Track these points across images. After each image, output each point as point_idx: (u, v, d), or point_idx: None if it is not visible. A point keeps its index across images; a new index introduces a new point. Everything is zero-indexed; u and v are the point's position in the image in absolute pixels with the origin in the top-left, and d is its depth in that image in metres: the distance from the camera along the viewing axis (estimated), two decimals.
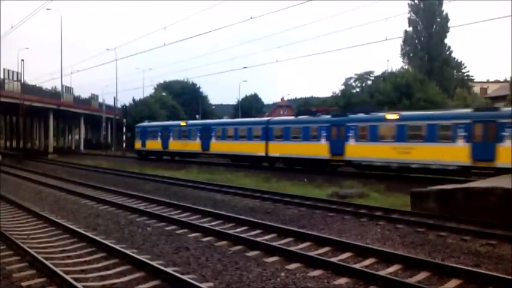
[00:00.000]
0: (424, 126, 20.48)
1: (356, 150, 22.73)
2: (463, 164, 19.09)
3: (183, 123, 37.38)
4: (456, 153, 19.02)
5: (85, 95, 64.07)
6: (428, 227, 10.44)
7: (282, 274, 7.08)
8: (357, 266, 7.39)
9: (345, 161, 23.77)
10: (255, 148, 28.50)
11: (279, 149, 27.11)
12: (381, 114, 23.55)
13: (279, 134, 27.47)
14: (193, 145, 33.71)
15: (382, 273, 6.97)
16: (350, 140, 23.07)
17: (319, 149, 24.55)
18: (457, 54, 63.23)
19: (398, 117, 21.78)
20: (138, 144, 40.15)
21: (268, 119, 30.49)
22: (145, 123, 41.41)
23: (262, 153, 28.08)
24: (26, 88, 46.07)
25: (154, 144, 37.94)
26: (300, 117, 28.18)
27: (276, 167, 28.12)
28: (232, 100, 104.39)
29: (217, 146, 31.74)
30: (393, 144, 21.17)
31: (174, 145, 36.04)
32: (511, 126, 17.73)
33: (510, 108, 19.54)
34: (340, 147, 23.41)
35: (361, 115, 23.74)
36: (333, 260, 7.67)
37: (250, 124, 30.68)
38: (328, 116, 25.61)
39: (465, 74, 58.26)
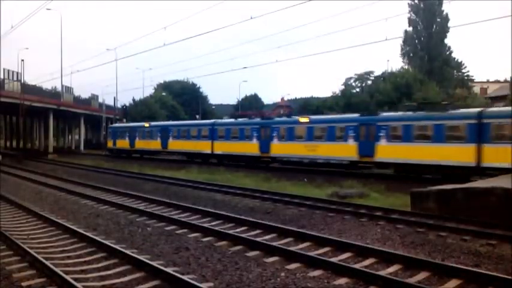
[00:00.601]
0: (325, 128, 24.68)
1: (279, 148, 26.98)
2: (352, 159, 23.13)
3: (146, 124, 41.16)
4: (348, 150, 23.13)
5: (85, 95, 64.12)
6: (428, 227, 10.44)
7: (282, 274, 7.08)
8: (357, 266, 7.39)
9: (271, 157, 28.05)
10: (204, 146, 32.63)
11: (222, 147, 31.41)
12: (296, 118, 28.13)
13: (222, 134, 31.67)
14: (155, 144, 37.81)
15: (382, 273, 6.97)
16: (274, 139, 27.40)
17: (252, 148, 28.83)
18: (457, 54, 63.23)
19: (308, 120, 26.23)
20: (110, 143, 45.31)
21: (214, 121, 34.58)
22: (116, 125, 47.02)
23: (209, 151, 32.21)
24: (26, 88, 46.06)
25: (123, 143, 42.55)
26: (238, 120, 32.35)
27: (275, 167, 28.16)
28: (232, 100, 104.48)
29: (174, 145, 35.67)
30: (304, 143, 25.37)
31: (140, 144, 40.41)
32: (386, 128, 21.79)
33: (387, 113, 24.09)
34: (267, 146, 27.65)
35: (282, 118, 29.79)
36: (333, 260, 7.67)
37: (199, 125, 34.87)
38: (258, 119, 30.08)
39: (465, 74, 58.24)
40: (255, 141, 28.54)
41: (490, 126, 18.51)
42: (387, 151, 21.29)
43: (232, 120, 33.39)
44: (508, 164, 16.69)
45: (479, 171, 18.71)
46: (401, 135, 21.14)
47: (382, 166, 22.44)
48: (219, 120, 35.00)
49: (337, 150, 23.34)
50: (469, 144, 18.87)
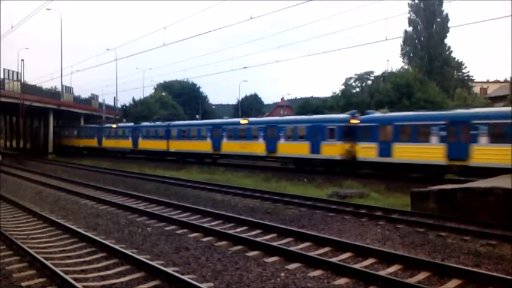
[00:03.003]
0: (253, 129, 29.40)
1: (227, 146, 31.08)
2: (262, 155, 28.88)
3: (114, 125, 45.37)
4: (260, 147, 28.24)
5: (85, 95, 63.90)
6: (428, 227, 10.44)
7: (282, 274, 7.08)
8: (357, 266, 7.39)
9: (221, 154, 32.16)
10: (161, 145, 36.76)
11: (176, 145, 35.43)
12: (238, 119, 33.81)
13: (175, 134, 35.68)
14: (125, 143, 41.48)
15: (382, 273, 6.97)
16: (224, 139, 31.26)
17: (205, 146, 32.51)
18: (457, 54, 63.26)
19: (247, 122, 30.88)
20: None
21: (168, 123, 37.88)
22: (87, 125, 51.98)
23: (165, 149, 36.33)
24: (26, 88, 46.01)
25: (91, 142, 46.76)
26: (192, 121, 38.50)
27: (274, 167, 28.16)
28: (233, 100, 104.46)
29: (143, 144, 39.50)
30: (241, 142, 29.94)
31: (108, 143, 44.51)
32: (284, 129, 26.87)
33: (287, 117, 30.55)
34: (219, 144, 31.59)
35: (229, 120, 35.72)
36: (333, 260, 7.67)
37: (157, 127, 38.75)
38: (214, 121, 36.04)
39: (465, 74, 58.20)
40: (208, 141, 32.29)
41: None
42: (285, 148, 26.87)
43: (186, 122, 39.23)
44: None
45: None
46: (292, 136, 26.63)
47: (283, 160, 28.37)
48: (173, 122, 38.70)
49: (256, 147, 28.90)
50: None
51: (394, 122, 21.51)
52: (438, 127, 19.62)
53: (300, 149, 25.50)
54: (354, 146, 22.80)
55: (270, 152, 27.61)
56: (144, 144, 39.22)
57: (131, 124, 44.05)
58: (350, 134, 23.08)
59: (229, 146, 30.66)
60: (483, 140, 18.38)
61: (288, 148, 26.37)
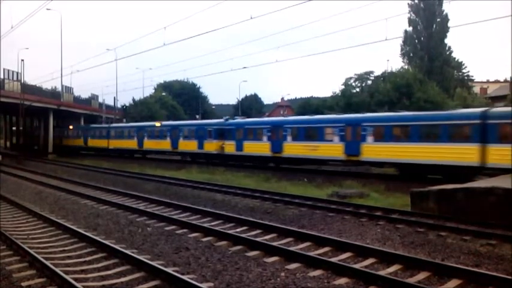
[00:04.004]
0: (163, 130, 36.79)
1: (147, 144, 38.16)
2: (168, 150, 36.53)
3: (157, 123, 48.82)
4: (167, 144, 36.12)
5: (85, 95, 63.89)
6: (428, 227, 10.44)
7: (282, 274, 7.08)
8: (357, 266, 7.39)
9: (143, 150, 40.32)
10: (131, 144, 41.06)
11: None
12: (153, 123, 40.62)
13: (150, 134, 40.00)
14: (102, 142, 45.81)
15: (382, 273, 6.97)
16: (145, 138, 39.23)
17: (167, 145, 37.03)
18: (457, 54, 63.15)
19: (160, 125, 38.10)
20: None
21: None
22: (124, 124, 53.39)
23: (135, 147, 40.56)
24: (26, 88, 45.99)
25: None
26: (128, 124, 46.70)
27: (275, 167, 28.15)
28: (233, 100, 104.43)
29: (114, 143, 43.78)
30: (155, 140, 37.66)
31: (93, 142, 47.91)
32: (229, 130, 30.47)
33: (183, 121, 36.29)
34: (141, 143, 39.52)
35: (151, 123, 40.92)
36: (333, 260, 7.67)
37: (128, 128, 43.52)
38: (170, 122, 40.79)
39: (465, 74, 58.19)
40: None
41: None
42: (183, 145, 34.81)
43: (147, 124, 43.77)
44: None
45: None
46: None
47: (182, 154, 36.28)
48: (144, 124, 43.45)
49: (164, 144, 36.27)
50: None
51: (244, 126, 30.08)
52: (266, 130, 28.19)
53: (191, 146, 33.92)
54: (224, 143, 30.79)
55: (173, 148, 36.06)
56: (115, 143, 42.69)
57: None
58: (222, 134, 31.21)
59: (148, 144, 39.18)
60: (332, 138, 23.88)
61: (185, 145, 34.88)
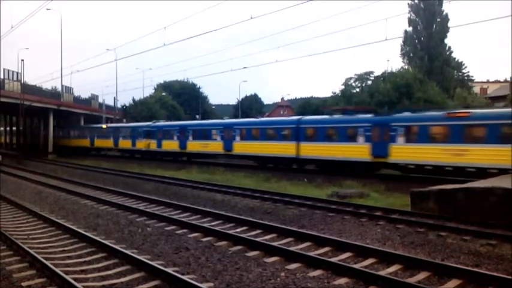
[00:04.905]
0: (108, 131, 43.98)
1: (98, 142, 44.25)
2: (111, 147, 43.40)
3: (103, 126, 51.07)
4: (110, 143, 42.90)
5: (85, 95, 63.89)
6: (428, 227, 10.43)
7: (282, 274, 7.09)
8: (357, 266, 7.39)
9: (94, 148, 47.06)
10: (107, 143, 44.47)
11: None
12: (101, 125, 48.58)
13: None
14: (84, 142, 49.01)
15: (382, 273, 6.97)
16: (95, 138, 46.05)
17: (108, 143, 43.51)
18: (457, 54, 63.14)
19: (106, 127, 45.49)
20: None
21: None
22: (166, 123, 57.20)
23: (112, 146, 43.92)
24: (26, 88, 45.99)
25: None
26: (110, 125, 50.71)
27: (274, 167, 28.12)
28: (233, 100, 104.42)
29: (100, 143, 46.37)
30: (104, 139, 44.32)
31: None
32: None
33: (158, 123, 39.53)
34: (93, 141, 45.92)
35: (99, 125, 48.31)
36: (333, 260, 7.67)
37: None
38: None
39: (465, 74, 58.18)
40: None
41: None
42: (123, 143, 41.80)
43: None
44: None
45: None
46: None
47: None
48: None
49: (108, 143, 43.22)
50: None
51: (163, 128, 37.28)
52: (176, 131, 35.34)
53: (127, 144, 41.15)
54: (150, 142, 37.68)
55: (115, 145, 42.43)
56: (101, 143, 45.04)
57: (118, 124, 45.47)
58: (149, 134, 38.00)
59: (99, 142, 45.52)
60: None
61: (124, 143, 41.89)
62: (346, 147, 22.79)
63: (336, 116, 26.35)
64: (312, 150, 24.62)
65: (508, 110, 20.12)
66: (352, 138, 22.67)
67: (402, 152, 20.63)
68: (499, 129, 17.98)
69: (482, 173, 17.47)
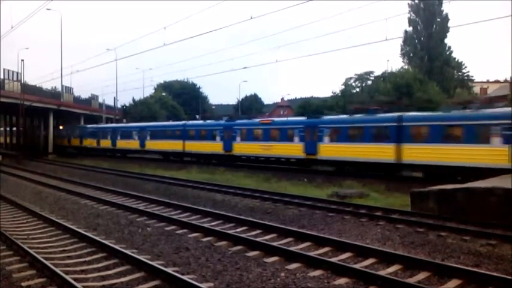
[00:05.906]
0: (91, 132, 47.51)
1: (151, 144, 40.07)
2: (93, 147, 46.21)
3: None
4: (93, 143, 45.75)
5: (85, 95, 63.88)
6: (428, 227, 10.43)
7: (282, 274, 7.09)
8: (357, 266, 7.39)
9: (75, 147, 50.47)
10: (91, 143, 47.03)
11: (121, 144, 44.00)
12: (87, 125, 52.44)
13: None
14: (75, 141, 51.15)
15: (382, 273, 6.97)
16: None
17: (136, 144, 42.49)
18: (457, 54, 63.12)
19: (93, 126, 49.75)
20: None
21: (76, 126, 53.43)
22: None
23: (96, 146, 46.10)
24: (26, 88, 46.00)
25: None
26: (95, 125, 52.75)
27: (275, 167, 28.11)
28: (233, 100, 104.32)
29: (89, 142, 48.38)
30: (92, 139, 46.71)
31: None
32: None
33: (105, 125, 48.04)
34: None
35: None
36: (333, 260, 7.67)
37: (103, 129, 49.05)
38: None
39: (465, 74, 58.19)
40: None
41: None
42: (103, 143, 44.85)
43: (114, 125, 50.84)
44: None
45: None
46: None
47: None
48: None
49: (92, 143, 46.02)
50: None
51: (119, 129, 43.43)
52: (137, 131, 39.72)
53: (107, 143, 44.03)
54: (116, 141, 42.18)
55: (113, 146, 43.64)
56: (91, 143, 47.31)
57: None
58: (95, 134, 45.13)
59: (87, 142, 47.77)
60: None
61: (75, 142, 49.72)
62: (282, 146, 26.73)
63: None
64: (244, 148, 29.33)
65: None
66: (290, 138, 26.30)
67: (327, 150, 24.25)
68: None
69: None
